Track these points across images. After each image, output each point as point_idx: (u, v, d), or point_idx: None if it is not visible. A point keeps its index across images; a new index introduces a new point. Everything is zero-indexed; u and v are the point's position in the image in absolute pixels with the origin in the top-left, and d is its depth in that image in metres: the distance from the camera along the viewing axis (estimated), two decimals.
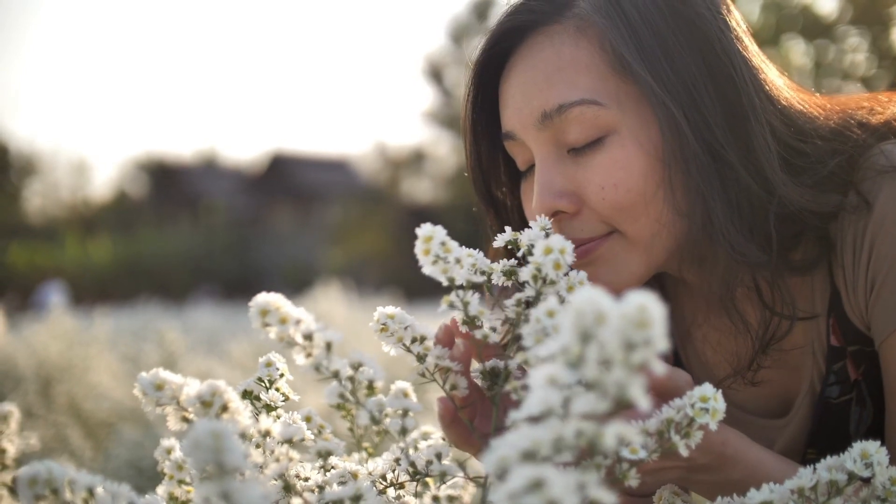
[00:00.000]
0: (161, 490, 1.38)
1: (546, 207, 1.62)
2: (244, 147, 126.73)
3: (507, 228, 1.49)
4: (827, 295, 1.69)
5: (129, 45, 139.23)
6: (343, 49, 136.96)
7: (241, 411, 1.22)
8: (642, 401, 0.88)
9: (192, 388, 1.23)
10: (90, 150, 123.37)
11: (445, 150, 44.04)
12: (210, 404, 1.20)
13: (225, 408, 1.21)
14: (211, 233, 43.98)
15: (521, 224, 1.75)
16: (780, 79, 1.72)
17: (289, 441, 1.29)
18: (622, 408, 0.88)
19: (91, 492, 1.15)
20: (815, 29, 18.48)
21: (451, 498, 1.41)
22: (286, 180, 52.57)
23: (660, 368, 0.86)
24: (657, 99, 1.57)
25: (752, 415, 1.79)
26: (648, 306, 0.84)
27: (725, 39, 1.63)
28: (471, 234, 1.45)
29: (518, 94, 1.67)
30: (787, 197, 1.58)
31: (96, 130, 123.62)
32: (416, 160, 45.81)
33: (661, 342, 0.84)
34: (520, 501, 0.81)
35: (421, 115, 50.44)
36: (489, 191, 1.85)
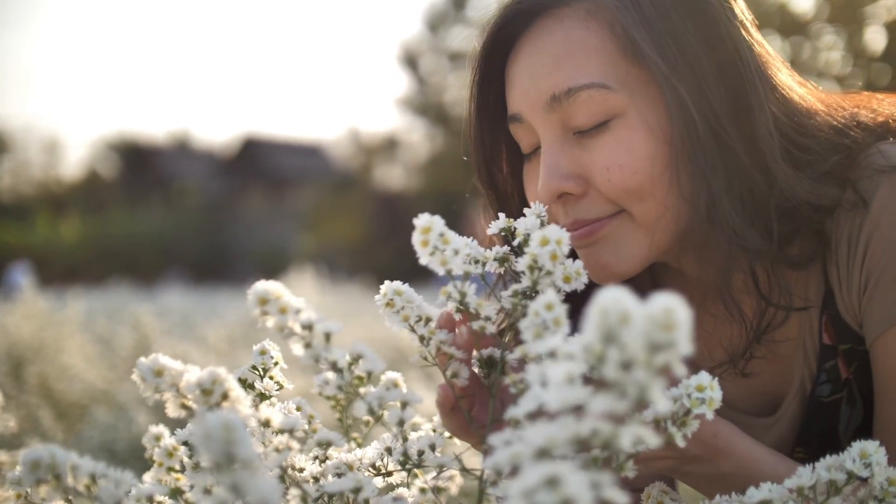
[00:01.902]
0: (149, 477, 1.37)
1: (552, 190, 1.63)
2: (217, 130, 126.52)
3: (502, 215, 1.48)
4: (821, 293, 1.69)
5: (104, 24, 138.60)
6: (318, 34, 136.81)
7: (242, 400, 1.20)
8: (662, 403, 0.87)
9: (192, 375, 1.21)
10: (62, 128, 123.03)
11: (418, 137, 44.10)
12: (210, 392, 1.18)
13: (225, 396, 1.19)
14: (182, 215, 43.89)
15: (521, 207, 1.75)
16: (785, 72, 1.73)
17: (289, 431, 1.28)
18: (640, 408, 0.88)
19: (94, 478, 1.14)
20: (792, 26, 18.59)
21: (438, 489, 1.40)
22: (259, 164, 52.47)
23: (682, 371, 0.86)
24: (667, 82, 1.58)
25: (739, 412, 1.79)
26: (675, 308, 0.83)
27: (732, 28, 1.64)
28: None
29: (526, 76, 1.67)
30: (787, 187, 1.59)
31: (69, 109, 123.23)
32: (389, 147, 45.84)
33: (686, 345, 0.83)
34: (534, 499, 0.81)
35: (395, 102, 50.43)
36: (490, 174, 1.86)
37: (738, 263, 1.61)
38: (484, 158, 1.83)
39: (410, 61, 42.79)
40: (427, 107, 42.41)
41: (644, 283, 1.90)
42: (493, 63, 1.74)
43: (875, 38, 18.80)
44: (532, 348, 1.18)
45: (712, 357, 1.79)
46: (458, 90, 41.71)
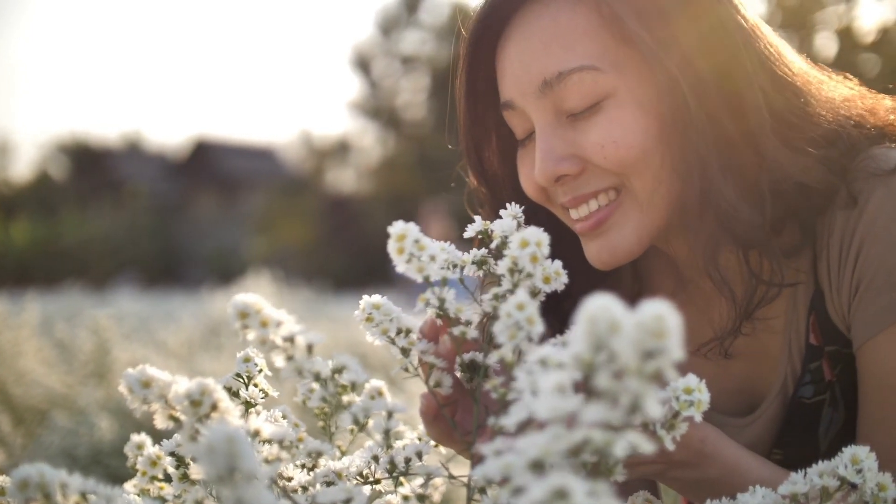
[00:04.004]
0: (131, 486, 1.36)
1: (548, 174, 1.65)
2: (169, 132, 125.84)
3: (477, 218, 1.48)
4: (810, 293, 1.70)
5: (55, 24, 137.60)
6: (270, 36, 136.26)
7: (232, 411, 1.20)
8: (655, 410, 0.87)
9: (180, 386, 1.20)
10: (11, 129, 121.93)
11: (370, 140, 44.06)
12: (199, 403, 1.18)
13: (214, 407, 1.18)
14: (134, 218, 43.55)
15: (511, 192, 1.78)
16: (784, 51, 1.73)
17: (279, 442, 1.27)
18: (633, 416, 0.88)
19: (84, 495, 1.13)
20: None
21: (421, 497, 1.40)
22: (210, 167, 52.08)
23: (674, 376, 0.86)
24: (655, 59, 1.59)
25: (714, 411, 1.79)
26: (665, 315, 0.83)
27: (720, 6, 1.66)
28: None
29: (517, 62, 1.69)
30: (777, 165, 1.60)
31: (18, 110, 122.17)
32: (340, 150, 45.73)
33: (677, 351, 0.84)
34: None
35: (347, 106, 50.35)
36: (481, 163, 1.88)
37: (726, 239, 1.62)
38: (475, 147, 1.85)
39: (363, 64, 42.78)
40: (379, 110, 42.43)
41: (625, 269, 1.91)
42: (482, 49, 1.75)
43: (826, 45, 18.95)
44: (507, 352, 1.18)
45: (698, 338, 1.79)
46: (410, 94, 41.73)
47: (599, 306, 0.86)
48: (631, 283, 1.94)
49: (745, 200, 1.59)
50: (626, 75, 1.62)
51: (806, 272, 1.70)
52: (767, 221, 1.60)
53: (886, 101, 1.78)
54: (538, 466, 0.89)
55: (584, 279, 1.77)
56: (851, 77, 1.82)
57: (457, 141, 1.90)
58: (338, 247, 35.47)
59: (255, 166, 51.83)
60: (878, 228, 1.60)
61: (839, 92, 1.76)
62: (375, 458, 1.39)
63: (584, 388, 0.90)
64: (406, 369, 1.40)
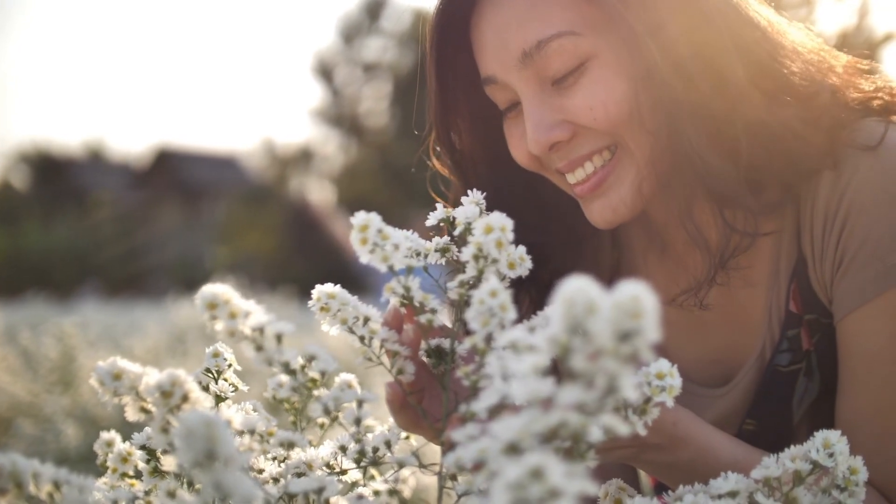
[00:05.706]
0: (102, 483, 1.36)
1: (541, 144, 1.66)
2: (132, 141, 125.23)
3: (439, 206, 1.48)
4: (793, 260, 1.71)
5: (15, 31, 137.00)
6: (232, 43, 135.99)
7: (202, 402, 1.19)
8: (631, 391, 0.87)
9: (151, 377, 1.20)
10: None
11: (333, 148, 44.10)
12: (170, 394, 1.17)
13: (185, 398, 1.18)
14: (97, 227, 43.33)
15: (487, 172, 1.82)
16: (765, 8, 1.72)
17: (251, 432, 1.27)
18: (609, 398, 0.88)
19: (57, 485, 1.12)
20: None
21: (391, 491, 1.39)
22: (173, 175, 51.89)
23: (650, 358, 0.86)
24: (623, 20, 1.58)
25: (690, 382, 1.79)
26: (641, 296, 0.83)
27: None
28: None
29: (494, 37, 1.68)
30: (751, 108, 1.59)
31: None
32: (303, 158, 45.77)
33: (654, 332, 0.84)
34: (521, 493, 0.80)
35: (309, 113, 50.42)
36: (452, 143, 1.88)
37: (699, 192, 1.63)
38: (446, 125, 1.86)
39: (325, 72, 42.84)
40: (341, 118, 42.51)
41: (604, 234, 1.91)
42: (452, 29, 1.75)
43: None
44: (480, 338, 1.18)
45: (673, 292, 1.79)
46: (372, 101, 41.78)
47: (576, 288, 0.86)
48: (610, 247, 1.95)
49: (717, 152, 1.59)
50: (604, 36, 1.62)
51: (788, 235, 1.70)
52: (741, 173, 1.60)
53: (843, 58, 1.77)
54: (514, 450, 0.89)
55: (567, 245, 1.79)
56: (811, 27, 1.81)
57: (423, 140, 1.89)
58: (302, 254, 35.45)
59: (219, 174, 51.65)
60: (865, 200, 1.60)
61: (802, 41, 1.74)
62: (343, 449, 1.38)
63: (555, 370, 0.90)
64: (369, 359, 1.39)
